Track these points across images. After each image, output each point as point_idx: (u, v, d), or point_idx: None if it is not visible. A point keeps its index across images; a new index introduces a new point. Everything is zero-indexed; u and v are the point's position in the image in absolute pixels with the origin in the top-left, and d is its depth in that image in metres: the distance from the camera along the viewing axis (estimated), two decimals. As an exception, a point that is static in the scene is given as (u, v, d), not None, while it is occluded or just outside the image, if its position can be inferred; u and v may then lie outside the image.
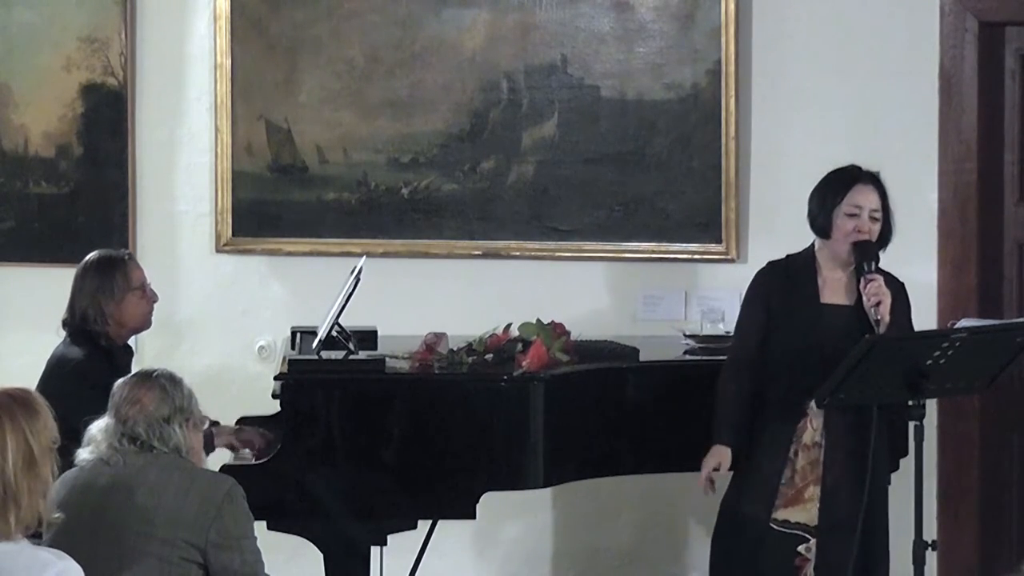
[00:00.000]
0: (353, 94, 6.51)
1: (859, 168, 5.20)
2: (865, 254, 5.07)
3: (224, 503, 4.20)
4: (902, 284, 5.18)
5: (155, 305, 5.48)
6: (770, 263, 5.30)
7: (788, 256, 5.30)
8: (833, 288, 5.15)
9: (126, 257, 5.48)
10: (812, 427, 5.07)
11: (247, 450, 5.40)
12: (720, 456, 5.13)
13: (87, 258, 5.44)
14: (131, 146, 6.60)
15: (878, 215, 5.13)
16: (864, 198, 5.11)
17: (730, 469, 5.17)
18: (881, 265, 5.14)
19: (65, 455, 3.95)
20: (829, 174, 5.24)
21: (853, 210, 5.11)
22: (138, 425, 4.25)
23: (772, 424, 5.13)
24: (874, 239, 5.12)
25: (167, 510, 4.17)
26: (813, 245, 5.23)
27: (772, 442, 5.11)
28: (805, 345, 5.05)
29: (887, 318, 4.98)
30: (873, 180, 5.16)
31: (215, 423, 5.22)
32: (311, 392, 5.11)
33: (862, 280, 5.04)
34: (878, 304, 4.98)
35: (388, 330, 5.71)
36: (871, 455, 4.96)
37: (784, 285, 5.18)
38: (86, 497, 4.19)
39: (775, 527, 5.10)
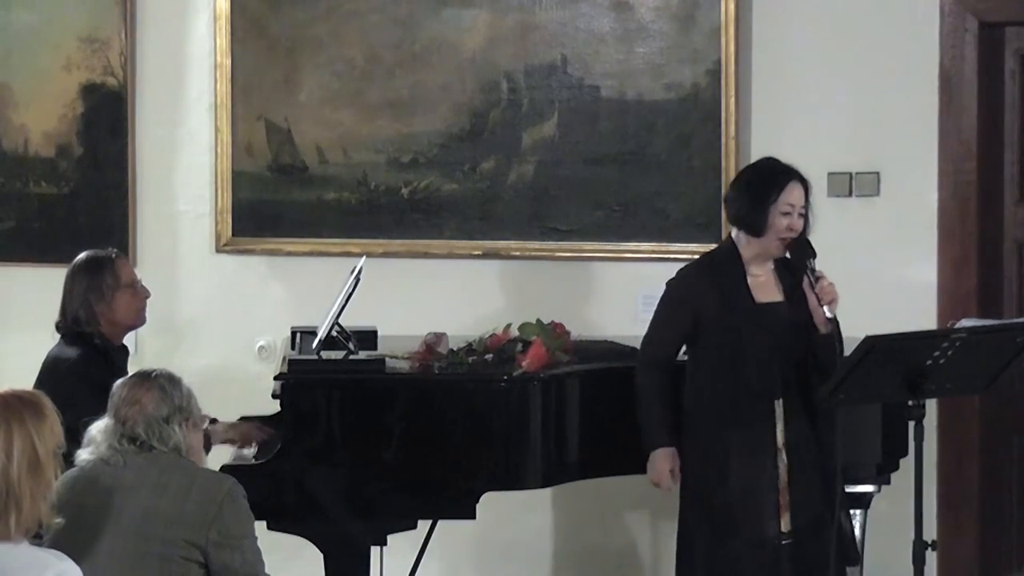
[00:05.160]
0: (353, 94, 6.51)
1: (784, 164, 5.15)
2: (807, 251, 5.04)
3: (225, 502, 4.20)
4: (807, 240, 5.10)
5: (155, 304, 5.48)
6: (695, 265, 5.23)
7: (709, 254, 5.27)
8: (763, 286, 5.10)
9: (113, 255, 5.44)
10: (779, 429, 5.04)
11: (247, 449, 5.39)
12: (672, 459, 5.12)
13: (76, 260, 5.41)
14: (131, 146, 6.61)
15: (804, 211, 5.10)
16: (796, 196, 5.07)
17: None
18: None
19: (64, 457, 3.95)
20: (752, 171, 5.23)
21: (787, 208, 5.06)
22: (137, 425, 4.25)
23: (751, 431, 5.04)
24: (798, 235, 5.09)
25: (167, 510, 4.17)
26: (732, 242, 5.17)
27: (755, 449, 5.03)
28: (754, 347, 5.01)
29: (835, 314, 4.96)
30: (799, 176, 5.12)
31: (213, 420, 5.21)
32: (311, 392, 5.11)
33: (805, 278, 5.00)
34: (831, 302, 4.95)
35: (388, 330, 5.71)
36: (833, 456, 4.96)
37: (713, 289, 5.11)
38: (86, 497, 4.19)
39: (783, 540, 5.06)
